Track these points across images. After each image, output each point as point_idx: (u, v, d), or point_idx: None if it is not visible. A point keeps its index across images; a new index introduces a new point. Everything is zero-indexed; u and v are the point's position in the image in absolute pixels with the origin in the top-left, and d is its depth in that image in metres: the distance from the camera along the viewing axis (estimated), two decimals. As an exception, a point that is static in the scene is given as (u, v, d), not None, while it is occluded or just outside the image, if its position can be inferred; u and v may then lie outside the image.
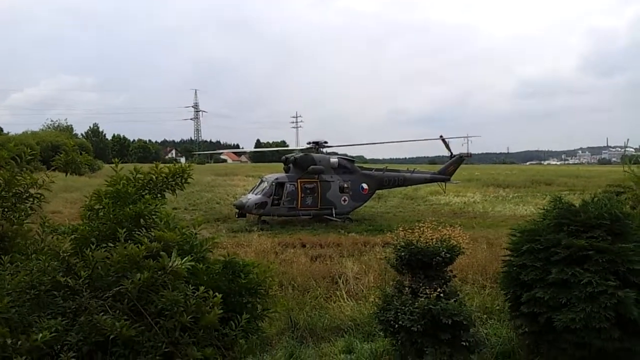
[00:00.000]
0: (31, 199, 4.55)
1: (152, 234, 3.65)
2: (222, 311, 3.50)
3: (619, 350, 6.11)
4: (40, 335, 2.96)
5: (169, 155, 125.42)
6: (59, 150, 5.15)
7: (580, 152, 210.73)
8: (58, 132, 78.26)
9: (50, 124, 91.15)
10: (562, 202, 7.02)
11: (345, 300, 9.92)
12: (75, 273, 3.49)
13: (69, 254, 3.59)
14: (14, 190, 4.41)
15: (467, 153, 30.52)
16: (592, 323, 5.98)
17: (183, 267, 3.35)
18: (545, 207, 7.33)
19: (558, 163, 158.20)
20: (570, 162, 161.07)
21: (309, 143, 27.47)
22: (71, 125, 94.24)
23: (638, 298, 6.07)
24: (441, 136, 29.86)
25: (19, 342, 2.95)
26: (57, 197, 25.67)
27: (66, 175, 5.26)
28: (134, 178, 4.47)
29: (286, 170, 25.60)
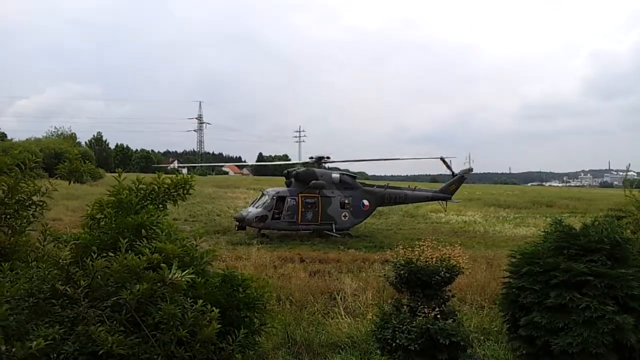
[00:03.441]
0: (33, 207, 4.56)
1: (154, 245, 3.66)
2: (220, 325, 3.49)
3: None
4: (35, 342, 2.96)
5: (171, 166, 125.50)
6: (62, 158, 5.18)
7: (582, 174, 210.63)
8: (61, 139, 78.46)
9: (54, 132, 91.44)
10: (562, 225, 7.01)
11: (343, 317, 9.88)
12: (74, 282, 3.49)
13: (68, 262, 3.60)
14: (16, 197, 4.43)
15: (468, 169, 30.35)
16: (589, 348, 5.94)
17: (183, 279, 3.35)
18: (546, 230, 7.33)
19: (560, 185, 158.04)
20: (572, 185, 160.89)
21: (311, 158, 27.51)
22: (74, 133, 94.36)
23: (636, 324, 6.04)
24: (441, 157, 29.90)
25: (14, 349, 2.94)
26: (58, 204, 25.68)
27: (69, 183, 5.29)
28: (136, 188, 4.49)
29: (288, 185, 25.61)
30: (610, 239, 6.53)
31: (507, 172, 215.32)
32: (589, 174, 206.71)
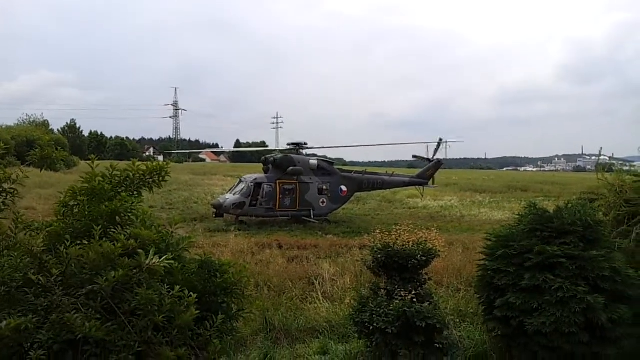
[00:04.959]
0: (4, 195, 4.46)
1: (128, 231, 3.62)
2: (198, 311, 3.48)
3: (587, 355, 6.23)
4: (5, 322, 2.92)
5: (147, 153, 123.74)
6: (34, 145, 5.06)
7: (556, 159, 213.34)
8: (34, 127, 76.74)
9: (26, 119, 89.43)
10: (536, 208, 7.13)
11: (321, 301, 9.93)
12: (47, 270, 3.44)
13: (41, 250, 3.54)
14: (-15, 185, 4.33)
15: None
16: (562, 327, 6.09)
17: (160, 265, 3.32)
18: (521, 213, 7.44)
19: (534, 169, 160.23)
20: (546, 169, 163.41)
21: (288, 144, 27.43)
22: (47, 120, 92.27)
23: (607, 303, 6.20)
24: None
25: None
26: (31, 193, 25.25)
27: (41, 170, 5.17)
28: (110, 175, 4.42)
29: (265, 171, 25.49)
30: (582, 221, 6.66)
31: (483, 157, 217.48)
32: (562, 159, 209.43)
